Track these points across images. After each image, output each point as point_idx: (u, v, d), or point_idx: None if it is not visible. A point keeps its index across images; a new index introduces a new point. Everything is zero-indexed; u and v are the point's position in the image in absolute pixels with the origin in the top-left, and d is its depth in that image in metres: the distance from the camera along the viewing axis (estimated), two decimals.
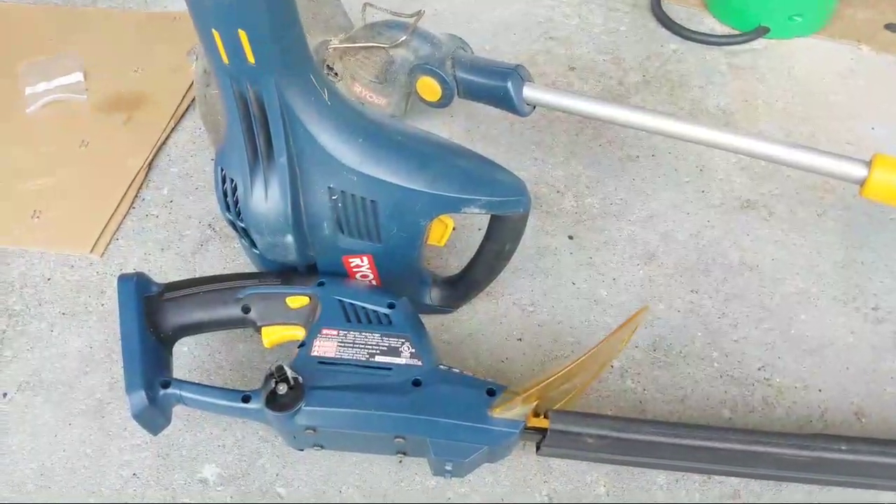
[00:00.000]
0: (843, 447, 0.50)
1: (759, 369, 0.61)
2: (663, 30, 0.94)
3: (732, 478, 0.55)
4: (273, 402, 0.50)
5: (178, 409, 0.55)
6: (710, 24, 0.94)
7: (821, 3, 0.91)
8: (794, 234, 0.71)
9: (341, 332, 0.54)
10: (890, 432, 0.57)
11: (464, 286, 0.64)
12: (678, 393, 0.60)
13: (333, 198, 0.54)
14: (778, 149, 0.63)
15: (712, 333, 0.64)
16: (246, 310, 0.56)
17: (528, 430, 0.51)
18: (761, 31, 0.91)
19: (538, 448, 0.53)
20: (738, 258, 0.69)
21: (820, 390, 0.60)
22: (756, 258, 0.69)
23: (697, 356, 0.62)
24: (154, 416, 0.51)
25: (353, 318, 0.54)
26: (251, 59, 0.47)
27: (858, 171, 0.61)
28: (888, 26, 0.93)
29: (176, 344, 0.57)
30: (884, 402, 0.59)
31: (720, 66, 0.89)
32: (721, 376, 0.61)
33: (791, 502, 0.54)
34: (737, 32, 0.92)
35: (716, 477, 0.55)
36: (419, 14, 0.74)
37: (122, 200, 0.75)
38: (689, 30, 0.92)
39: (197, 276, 0.66)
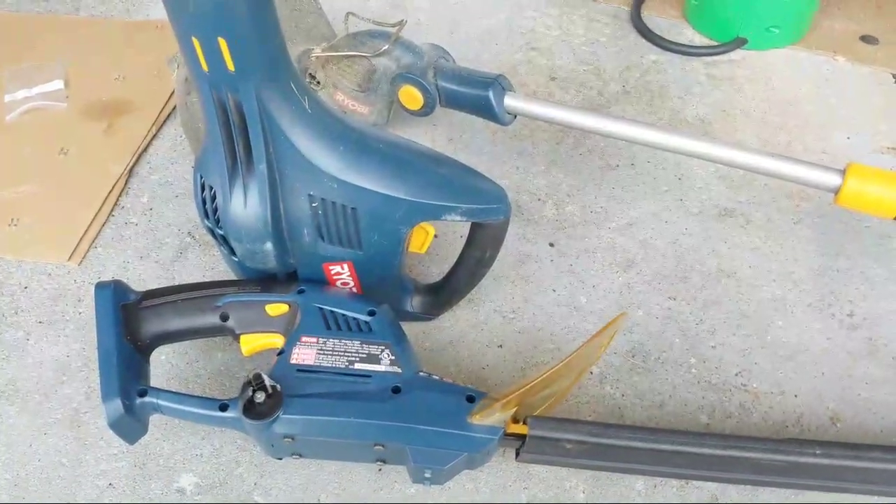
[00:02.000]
0: (818, 451, 0.51)
1: (736, 375, 0.62)
2: (643, 41, 0.95)
3: (710, 483, 0.55)
4: (251, 410, 0.49)
5: (155, 418, 0.54)
6: (690, 36, 0.96)
7: (798, 14, 0.93)
8: (771, 241, 0.72)
9: (321, 340, 0.54)
10: (864, 436, 0.58)
11: (445, 293, 0.64)
12: (656, 399, 0.60)
13: (314, 205, 0.54)
14: (755, 158, 0.64)
15: (690, 340, 0.64)
16: (224, 318, 0.55)
17: (508, 437, 0.51)
18: (739, 43, 0.92)
19: (517, 454, 0.53)
20: (715, 265, 0.70)
21: (796, 395, 0.61)
22: (733, 265, 0.70)
23: (675, 362, 0.63)
24: (131, 425, 0.51)
25: (333, 326, 0.54)
26: (231, 66, 0.47)
27: (833, 180, 0.62)
28: (864, 38, 0.95)
29: (154, 352, 0.56)
30: (858, 406, 0.60)
31: (699, 77, 0.90)
32: (699, 382, 0.61)
33: None
34: (715, 43, 0.94)
35: (693, 482, 0.55)
36: (401, 24, 0.75)
37: (101, 208, 0.74)
38: (668, 41, 0.93)
39: (176, 284, 0.66)
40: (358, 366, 0.52)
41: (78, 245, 0.71)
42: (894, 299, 0.67)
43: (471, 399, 0.51)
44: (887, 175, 0.62)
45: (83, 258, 0.71)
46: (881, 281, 0.69)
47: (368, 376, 0.52)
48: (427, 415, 0.50)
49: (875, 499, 0.54)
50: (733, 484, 0.55)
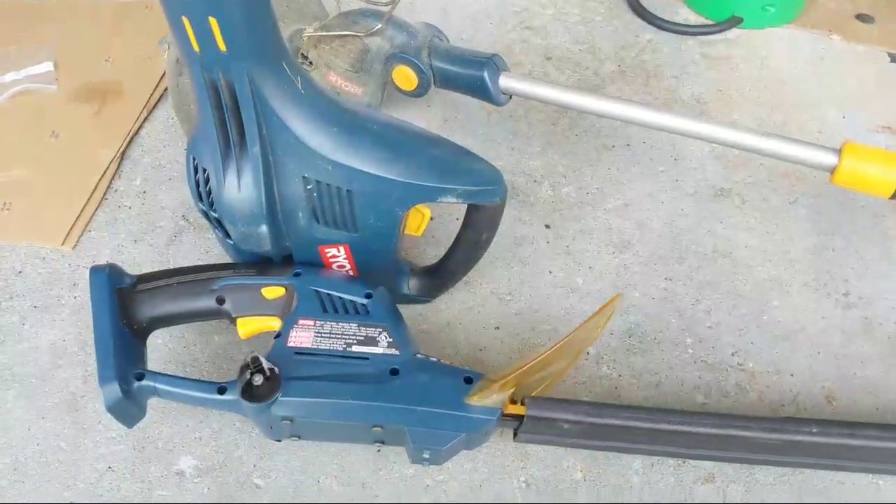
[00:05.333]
0: (814, 430, 0.51)
1: (732, 355, 0.62)
2: (638, 20, 0.94)
3: (706, 461, 0.56)
4: (249, 393, 0.49)
5: (153, 402, 0.54)
6: (685, 15, 0.95)
7: None
8: (767, 221, 0.72)
9: (318, 323, 0.54)
10: (859, 415, 0.59)
11: (441, 276, 0.64)
12: (653, 378, 0.61)
13: (308, 187, 0.53)
14: (751, 137, 0.64)
15: (686, 320, 0.64)
16: (221, 301, 0.55)
17: (506, 417, 0.51)
18: (735, 22, 0.92)
19: (515, 434, 0.53)
20: (711, 246, 0.70)
21: (792, 375, 0.61)
22: (729, 245, 0.70)
23: (672, 342, 0.63)
24: (128, 409, 0.51)
25: (330, 309, 0.54)
26: (222, 46, 0.46)
27: (829, 159, 0.62)
28: (859, 16, 0.95)
29: (150, 336, 0.56)
30: (853, 385, 0.60)
31: (694, 56, 0.90)
32: (695, 362, 0.62)
33: (763, 485, 0.55)
34: (711, 22, 0.93)
35: (690, 461, 0.56)
36: (394, 2, 0.74)
37: (93, 192, 0.73)
38: (663, 20, 0.93)
39: (171, 267, 0.66)
40: (355, 348, 0.52)
41: (71, 229, 0.70)
42: (889, 278, 0.67)
43: (469, 380, 0.51)
44: (883, 154, 0.62)
45: (77, 242, 0.70)
46: (876, 260, 0.69)
47: (366, 358, 0.52)
48: (425, 396, 0.50)
49: (871, 476, 0.55)
50: (730, 462, 0.55)
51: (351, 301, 0.55)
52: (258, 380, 0.49)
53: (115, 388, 0.50)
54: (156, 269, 0.58)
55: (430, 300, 0.65)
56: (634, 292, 0.66)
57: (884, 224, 0.72)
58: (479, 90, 0.71)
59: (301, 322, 0.53)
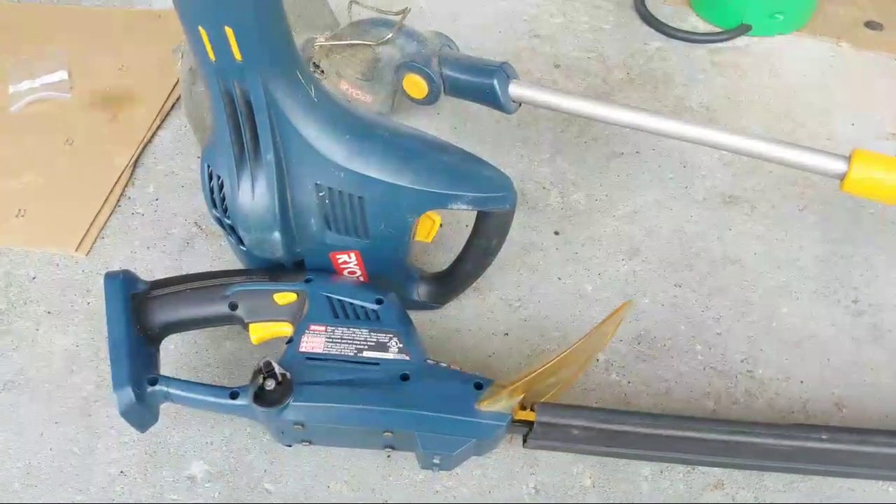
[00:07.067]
0: (824, 437, 0.51)
1: (741, 361, 0.62)
2: (647, 27, 0.95)
3: (716, 468, 0.56)
4: (261, 398, 0.50)
5: (165, 407, 0.55)
6: (694, 22, 0.95)
7: (802, 0, 0.92)
8: (776, 228, 0.72)
9: (329, 328, 0.54)
10: (869, 421, 0.58)
11: (451, 282, 0.64)
12: (662, 385, 0.61)
13: (320, 194, 0.54)
14: (760, 145, 0.64)
15: (696, 327, 0.64)
16: (233, 307, 0.56)
17: (515, 423, 0.51)
18: (743, 29, 0.92)
19: (525, 440, 0.53)
20: (720, 252, 0.70)
21: (801, 382, 0.61)
22: (738, 252, 0.70)
23: (681, 349, 0.63)
24: (141, 414, 0.51)
25: (341, 314, 0.55)
26: (238, 55, 0.47)
27: (838, 167, 0.62)
28: (868, 23, 0.95)
29: (163, 341, 0.57)
30: (863, 392, 0.60)
31: (703, 64, 0.90)
32: (704, 369, 0.62)
33: (773, 492, 0.55)
34: (719, 30, 0.93)
35: (699, 467, 0.56)
36: (405, 12, 0.75)
37: (107, 199, 0.74)
38: (672, 28, 0.93)
39: (184, 273, 0.66)
40: (366, 353, 0.53)
41: (85, 235, 0.71)
42: None
43: (479, 386, 0.52)
44: (892, 161, 0.62)
45: (90, 249, 0.71)
46: (885, 267, 0.69)
47: (377, 364, 0.52)
48: (436, 402, 0.51)
49: (881, 483, 0.55)
50: (739, 469, 0.55)
51: (362, 307, 0.55)
52: (270, 384, 0.50)
53: (128, 393, 0.50)
54: (169, 276, 0.59)
55: (440, 306, 0.66)
56: (643, 299, 0.67)
57: (893, 231, 0.72)
58: (489, 98, 0.72)
59: (312, 327, 0.54)
